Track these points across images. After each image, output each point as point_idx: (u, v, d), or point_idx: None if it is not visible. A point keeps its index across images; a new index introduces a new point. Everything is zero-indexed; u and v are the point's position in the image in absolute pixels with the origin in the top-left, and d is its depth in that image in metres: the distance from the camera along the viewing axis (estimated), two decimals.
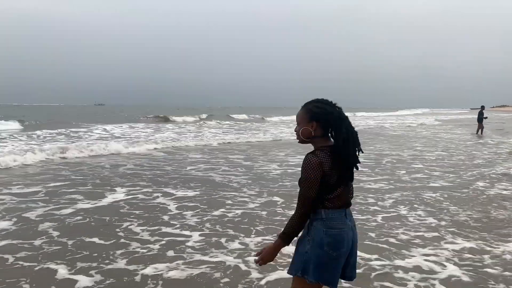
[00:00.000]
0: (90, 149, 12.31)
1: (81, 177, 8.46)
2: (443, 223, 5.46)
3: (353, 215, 2.24)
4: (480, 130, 21.42)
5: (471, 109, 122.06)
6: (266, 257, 2.17)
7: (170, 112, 46.79)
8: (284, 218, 5.54)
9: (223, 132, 22.69)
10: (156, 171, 9.32)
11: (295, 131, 2.23)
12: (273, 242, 2.20)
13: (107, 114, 52.49)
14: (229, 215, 5.78)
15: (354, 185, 2.25)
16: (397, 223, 5.44)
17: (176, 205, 6.25)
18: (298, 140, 2.25)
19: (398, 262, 4.12)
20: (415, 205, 6.37)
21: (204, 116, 42.61)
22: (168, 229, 5.11)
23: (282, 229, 2.16)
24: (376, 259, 4.18)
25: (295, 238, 2.20)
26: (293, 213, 2.11)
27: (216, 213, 5.87)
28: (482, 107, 22.10)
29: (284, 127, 27.29)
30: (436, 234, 5.00)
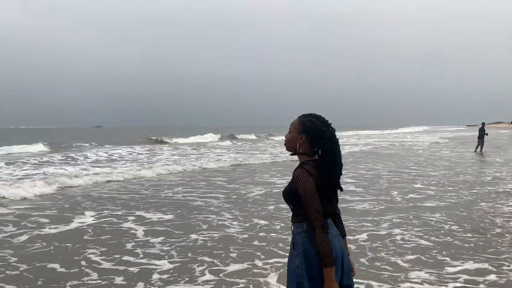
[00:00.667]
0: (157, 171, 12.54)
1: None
2: (441, 244, 5.11)
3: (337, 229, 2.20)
4: (480, 147, 21.00)
5: (467, 126, 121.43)
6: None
7: (180, 134, 46.74)
8: (264, 243, 5.12)
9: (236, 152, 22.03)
10: (132, 195, 8.90)
11: (285, 137, 2.23)
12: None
13: (116, 136, 50.72)
14: (204, 240, 5.37)
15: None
16: (391, 245, 5.09)
17: (145, 230, 5.85)
18: (285, 148, 2.24)
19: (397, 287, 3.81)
20: (414, 227, 5.96)
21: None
22: (131, 258, 4.69)
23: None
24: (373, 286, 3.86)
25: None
26: (316, 233, 2.01)
27: (190, 237, 5.46)
28: (483, 124, 21.85)
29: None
30: (436, 256, 4.69)
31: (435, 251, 4.84)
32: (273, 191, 9.06)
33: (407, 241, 5.24)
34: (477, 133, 21.81)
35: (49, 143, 27.09)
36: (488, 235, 5.50)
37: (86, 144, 29.70)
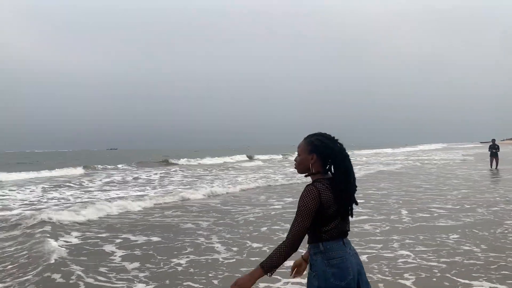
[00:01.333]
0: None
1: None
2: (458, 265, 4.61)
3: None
4: (495, 164, 20.07)
5: (481, 142, 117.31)
6: (242, 283, 2.03)
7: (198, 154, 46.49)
8: (251, 268, 4.65)
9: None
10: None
11: (294, 161, 2.24)
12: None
13: (138, 157, 49.24)
14: (187, 264, 4.94)
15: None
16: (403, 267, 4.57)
17: (123, 253, 5.47)
18: (296, 170, 2.24)
19: None
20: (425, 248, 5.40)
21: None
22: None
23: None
24: None
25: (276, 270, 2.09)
26: (282, 242, 2.04)
27: (172, 261, 5.04)
28: (493, 140, 21.12)
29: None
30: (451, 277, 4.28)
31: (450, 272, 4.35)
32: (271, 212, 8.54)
33: (415, 262, 4.72)
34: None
35: (84, 166, 26.65)
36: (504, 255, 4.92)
37: (120, 165, 29.07)
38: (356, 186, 2.16)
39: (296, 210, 2.03)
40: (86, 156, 66.93)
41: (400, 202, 9.50)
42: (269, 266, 2.03)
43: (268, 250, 5.32)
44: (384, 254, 5.15)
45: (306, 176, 2.20)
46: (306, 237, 2.06)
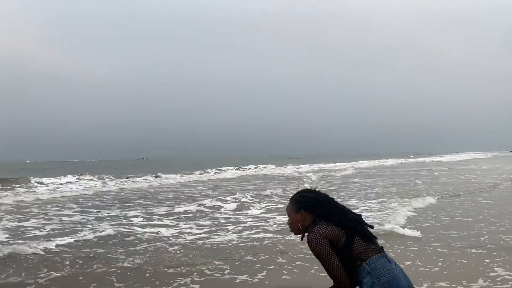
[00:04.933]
0: None
1: None
2: None
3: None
4: None
5: (510, 151, 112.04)
6: None
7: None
8: None
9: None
10: None
11: (287, 223, 2.38)
12: None
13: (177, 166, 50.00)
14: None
15: None
16: None
17: None
18: (293, 233, 2.36)
19: None
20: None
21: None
22: None
23: None
24: None
25: None
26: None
27: None
28: None
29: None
30: None
31: None
32: None
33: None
34: None
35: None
36: None
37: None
38: (358, 215, 2.32)
39: (319, 262, 2.14)
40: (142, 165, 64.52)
41: None
42: None
43: None
44: None
45: (302, 236, 2.33)
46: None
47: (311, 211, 2.25)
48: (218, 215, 10.46)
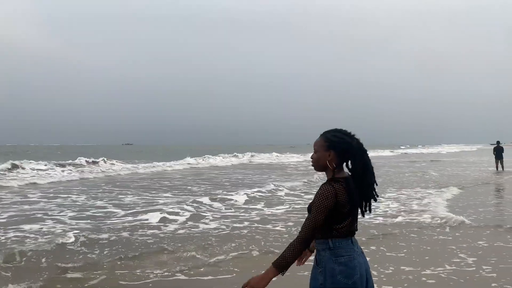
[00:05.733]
0: None
1: None
2: None
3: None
4: (501, 166, 20.52)
5: (491, 144, 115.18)
6: (255, 284, 2.08)
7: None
8: None
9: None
10: None
11: (311, 158, 2.27)
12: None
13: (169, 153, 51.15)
14: None
15: None
16: None
17: None
18: (313, 167, 2.28)
19: None
20: None
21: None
22: None
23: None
24: None
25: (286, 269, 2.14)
26: (294, 239, 2.12)
27: None
28: (498, 142, 21.46)
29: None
30: None
31: None
32: None
33: None
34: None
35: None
36: None
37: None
38: (375, 181, 2.21)
39: (312, 207, 2.09)
40: (124, 150, 66.25)
41: None
42: (283, 265, 2.07)
43: None
44: None
45: (322, 171, 2.23)
46: None
47: (340, 155, 2.16)
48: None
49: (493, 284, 4.43)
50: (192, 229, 7.30)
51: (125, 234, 6.90)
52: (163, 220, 7.99)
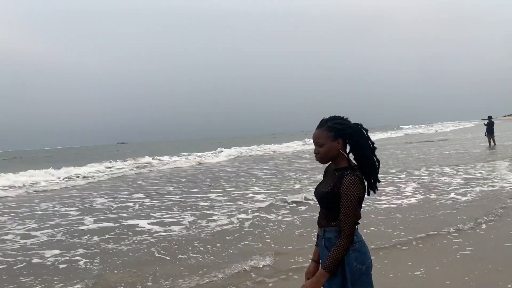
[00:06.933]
0: None
1: None
2: None
3: None
4: (493, 141, 20.55)
5: (482, 120, 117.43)
6: None
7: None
8: None
9: None
10: None
11: (315, 153, 2.20)
12: (315, 274, 2.14)
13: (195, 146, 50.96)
14: None
15: None
16: None
17: None
18: (319, 161, 2.21)
19: None
20: None
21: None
22: None
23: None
24: None
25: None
26: (340, 239, 2.05)
27: None
28: (490, 117, 21.34)
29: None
30: None
31: None
32: None
33: None
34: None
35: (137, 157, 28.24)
36: None
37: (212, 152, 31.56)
38: (378, 159, 2.20)
39: (343, 201, 2.02)
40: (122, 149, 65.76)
41: None
42: (334, 267, 2.03)
43: None
44: None
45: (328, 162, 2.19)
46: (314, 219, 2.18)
47: (346, 141, 2.15)
48: None
49: None
50: None
51: None
52: None
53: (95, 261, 5.36)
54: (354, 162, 2.16)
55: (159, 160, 25.85)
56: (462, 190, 8.80)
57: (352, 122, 2.19)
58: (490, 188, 8.84)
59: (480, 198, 7.96)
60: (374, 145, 2.20)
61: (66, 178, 17.66)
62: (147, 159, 25.95)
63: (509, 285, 3.84)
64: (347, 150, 2.17)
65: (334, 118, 2.17)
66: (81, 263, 5.32)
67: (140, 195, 11.25)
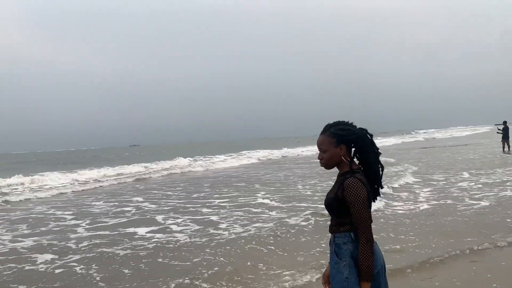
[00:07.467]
0: None
1: None
2: None
3: None
4: (507, 146, 20.41)
5: (495, 125, 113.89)
6: None
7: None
8: None
9: None
10: None
11: (319, 158, 2.21)
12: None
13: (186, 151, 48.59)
14: None
15: None
16: None
17: None
18: (323, 167, 2.22)
19: None
20: None
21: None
22: None
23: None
24: None
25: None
26: (361, 246, 2.04)
27: None
28: (505, 123, 21.04)
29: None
30: None
31: None
32: None
33: None
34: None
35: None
36: None
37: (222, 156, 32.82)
38: (382, 165, 2.18)
39: (351, 206, 2.02)
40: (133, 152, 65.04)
41: None
42: (370, 275, 2.02)
43: None
44: None
45: (332, 168, 2.19)
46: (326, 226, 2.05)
47: (349, 147, 2.17)
48: None
49: None
50: None
51: None
52: None
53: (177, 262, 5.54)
54: (357, 165, 2.17)
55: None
56: None
57: (358, 127, 2.19)
58: None
59: None
60: (379, 150, 2.21)
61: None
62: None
63: None
64: (352, 155, 2.18)
65: (338, 124, 2.18)
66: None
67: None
